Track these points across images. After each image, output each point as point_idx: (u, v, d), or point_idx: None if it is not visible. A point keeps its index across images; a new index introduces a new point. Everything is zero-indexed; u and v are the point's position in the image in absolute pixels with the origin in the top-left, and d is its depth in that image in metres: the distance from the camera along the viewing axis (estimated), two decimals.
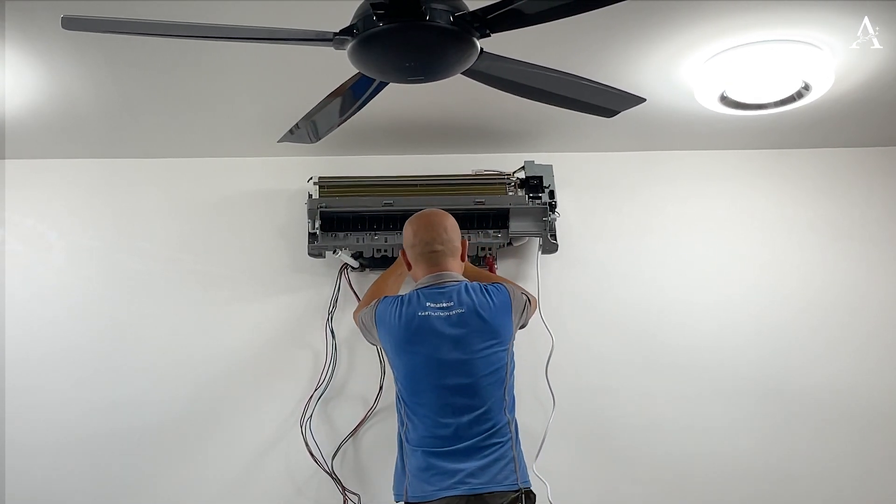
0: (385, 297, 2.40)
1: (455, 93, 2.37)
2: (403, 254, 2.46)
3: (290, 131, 2.09)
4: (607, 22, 2.07)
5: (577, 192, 2.99)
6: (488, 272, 2.76)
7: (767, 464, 2.82)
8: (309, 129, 2.06)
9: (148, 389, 2.80)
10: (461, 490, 2.17)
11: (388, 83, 1.74)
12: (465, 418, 2.23)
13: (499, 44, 1.63)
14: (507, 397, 2.29)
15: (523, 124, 2.80)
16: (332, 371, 2.82)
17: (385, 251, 2.78)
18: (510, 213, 2.74)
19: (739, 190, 3.04)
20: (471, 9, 1.52)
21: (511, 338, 2.35)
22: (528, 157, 2.86)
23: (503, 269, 2.89)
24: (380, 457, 2.72)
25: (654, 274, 2.96)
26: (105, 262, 2.90)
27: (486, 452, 2.21)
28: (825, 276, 2.97)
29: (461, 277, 2.38)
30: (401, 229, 2.49)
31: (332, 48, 1.60)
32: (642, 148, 3.04)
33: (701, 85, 2.41)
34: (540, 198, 2.77)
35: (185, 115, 2.64)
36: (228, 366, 2.83)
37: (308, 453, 2.72)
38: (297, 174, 2.89)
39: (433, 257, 2.37)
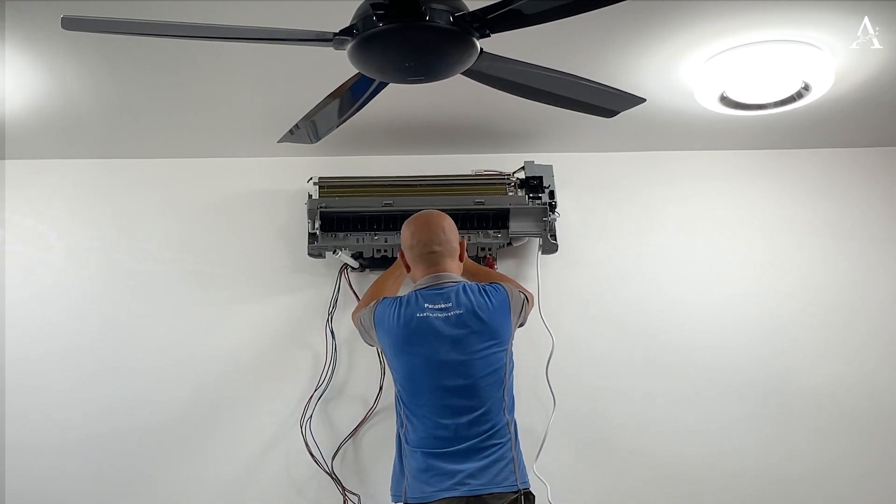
0: (384, 298, 2.40)
1: (455, 93, 2.37)
2: (402, 255, 2.47)
3: (290, 132, 2.09)
4: (607, 22, 2.07)
5: (577, 192, 2.99)
6: (487, 269, 2.76)
7: (767, 464, 2.82)
8: (309, 130, 2.06)
9: (148, 390, 2.80)
10: (461, 491, 2.17)
11: (387, 83, 1.74)
12: (465, 419, 2.23)
13: (499, 44, 1.63)
14: (506, 398, 2.29)
15: (523, 124, 2.80)
16: (332, 371, 2.82)
17: (385, 251, 2.78)
18: (510, 214, 2.74)
19: (740, 190, 3.04)
20: (471, 9, 1.52)
21: (510, 338, 2.35)
22: (528, 157, 2.86)
23: (503, 269, 2.89)
24: (380, 457, 2.71)
25: (654, 274, 2.96)
26: (105, 262, 2.90)
27: (485, 453, 2.21)
28: (825, 276, 2.98)
29: (459, 278, 2.38)
30: (401, 229, 2.49)
31: (332, 48, 1.60)
32: (642, 148, 3.04)
33: (701, 85, 2.41)
34: (540, 198, 2.77)
35: (185, 115, 2.64)
36: (228, 366, 2.83)
37: (308, 453, 2.72)
38: (297, 174, 2.90)
39: (431, 258, 2.37)
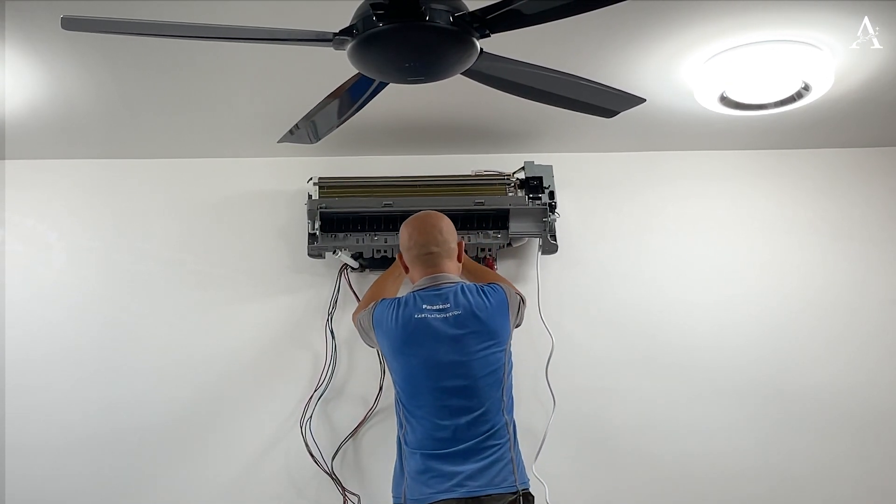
0: (382, 299, 2.40)
1: (455, 93, 2.37)
2: (400, 256, 2.47)
3: (290, 132, 2.09)
4: (607, 22, 2.07)
5: (577, 192, 2.99)
6: (485, 269, 2.75)
7: (767, 464, 2.82)
8: (309, 130, 2.06)
9: (148, 390, 2.80)
10: (460, 493, 2.17)
11: (387, 83, 1.74)
12: (464, 420, 2.23)
13: (499, 44, 1.63)
14: (504, 398, 2.29)
15: (523, 124, 2.80)
16: (332, 371, 2.82)
17: (385, 252, 2.78)
18: (510, 214, 2.74)
19: (740, 190, 3.04)
20: (471, 9, 1.52)
21: (508, 338, 2.35)
22: (528, 157, 2.86)
23: (503, 269, 2.89)
24: (380, 457, 2.71)
25: (654, 274, 2.96)
26: (105, 262, 2.90)
27: (484, 454, 2.21)
28: (825, 276, 2.97)
29: (458, 279, 2.38)
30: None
31: (331, 48, 1.60)
32: (642, 148, 3.04)
33: (701, 85, 2.41)
34: (540, 198, 2.77)
35: (185, 115, 2.64)
36: (228, 366, 2.83)
37: (308, 454, 2.72)
38: (297, 174, 2.89)
39: (429, 259, 2.37)
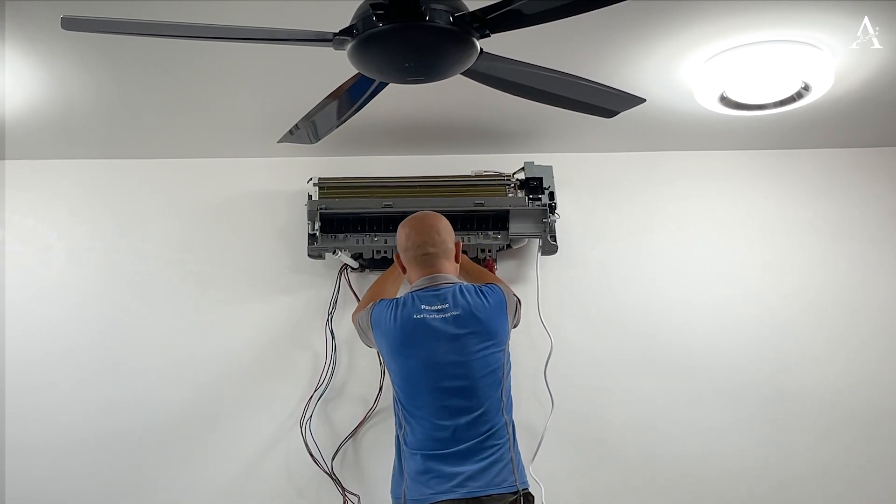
0: (381, 300, 2.40)
1: (455, 93, 2.37)
2: (398, 257, 2.47)
3: (290, 132, 2.09)
4: (607, 22, 2.07)
5: (577, 192, 2.99)
6: (483, 269, 2.74)
7: (767, 464, 2.82)
8: (309, 130, 2.06)
9: (148, 390, 2.80)
10: (459, 493, 2.17)
11: (387, 83, 1.74)
12: (463, 420, 2.23)
13: (499, 44, 1.63)
14: (504, 398, 2.29)
15: (523, 124, 2.80)
16: (332, 372, 2.82)
17: (385, 252, 2.78)
18: (510, 215, 2.74)
19: (740, 190, 3.04)
20: (471, 9, 1.52)
21: (507, 338, 2.35)
22: (528, 157, 2.86)
23: (503, 270, 2.88)
24: (379, 457, 2.71)
25: (654, 275, 2.96)
26: (105, 262, 2.90)
27: (484, 454, 2.21)
28: (825, 276, 2.97)
29: (456, 279, 2.38)
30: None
31: (331, 48, 1.60)
32: (642, 148, 3.04)
33: (701, 85, 2.41)
34: (540, 199, 2.77)
35: (185, 115, 2.64)
36: (228, 366, 2.83)
37: (308, 454, 2.72)
38: (297, 175, 2.89)
39: (427, 259, 2.37)
